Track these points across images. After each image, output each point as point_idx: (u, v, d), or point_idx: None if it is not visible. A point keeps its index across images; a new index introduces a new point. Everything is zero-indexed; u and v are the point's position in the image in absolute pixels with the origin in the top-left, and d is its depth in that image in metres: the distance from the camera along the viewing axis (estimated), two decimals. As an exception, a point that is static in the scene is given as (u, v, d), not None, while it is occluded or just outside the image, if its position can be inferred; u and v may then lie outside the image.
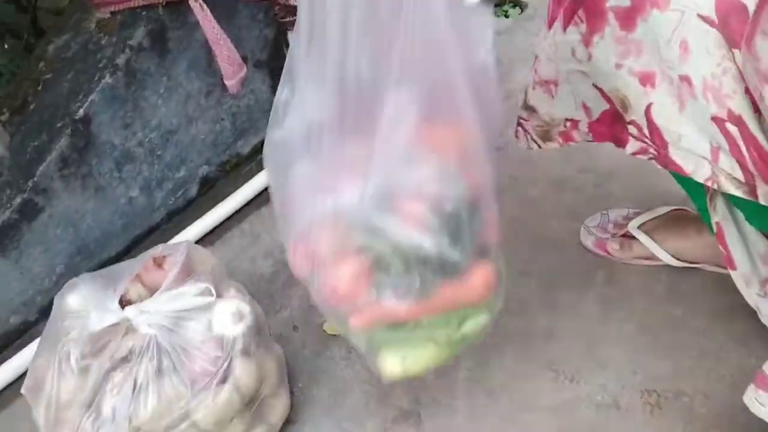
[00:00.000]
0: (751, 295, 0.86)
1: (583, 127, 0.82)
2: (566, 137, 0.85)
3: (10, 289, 1.09)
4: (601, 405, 0.97)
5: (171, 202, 1.29)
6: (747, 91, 0.62)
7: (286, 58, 0.69)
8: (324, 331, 1.09)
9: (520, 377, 1.01)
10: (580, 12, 0.71)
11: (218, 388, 0.87)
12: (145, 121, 1.17)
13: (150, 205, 1.25)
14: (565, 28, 0.74)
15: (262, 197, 1.32)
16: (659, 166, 0.94)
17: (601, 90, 0.76)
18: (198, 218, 1.27)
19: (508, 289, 1.10)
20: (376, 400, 1.01)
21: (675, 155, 0.70)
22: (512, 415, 0.98)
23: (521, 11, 1.66)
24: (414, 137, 0.65)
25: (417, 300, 0.68)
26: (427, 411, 0.99)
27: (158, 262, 0.95)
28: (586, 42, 0.73)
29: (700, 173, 0.69)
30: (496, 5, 1.66)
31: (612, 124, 0.78)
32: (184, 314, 0.88)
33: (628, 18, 0.68)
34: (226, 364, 0.87)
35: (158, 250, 0.96)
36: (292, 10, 1.26)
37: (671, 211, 1.12)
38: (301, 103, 0.67)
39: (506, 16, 1.65)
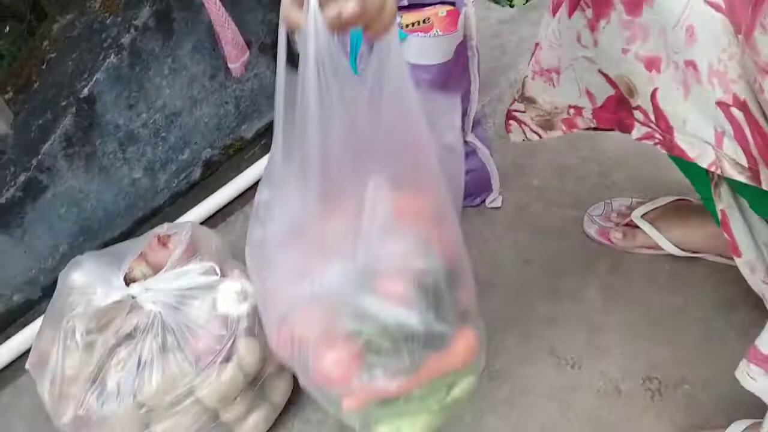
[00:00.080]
0: (756, 282, 0.86)
1: (587, 113, 0.82)
2: (570, 124, 0.84)
3: (14, 267, 1.10)
4: (601, 391, 0.97)
5: (174, 185, 1.29)
6: None
7: (267, 163, 0.69)
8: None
9: (522, 362, 1.01)
10: (586, -3, 0.71)
11: (222, 366, 0.87)
12: (149, 102, 1.17)
13: (153, 187, 1.25)
14: (570, 14, 0.74)
15: (266, 181, 1.32)
16: (664, 152, 0.95)
17: (606, 76, 0.76)
18: (201, 201, 1.28)
19: (512, 275, 1.11)
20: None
21: (680, 140, 0.70)
22: (513, 399, 0.98)
23: (526, 1, 1.66)
24: (393, 217, 0.66)
25: (407, 376, 0.69)
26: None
27: (163, 242, 0.95)
28: (592, 27, 0.73)
29: (704, 159, 0.69)
30: (502, -6, 1.65)
31: (617, 109, 0.78)
32: (188, 293, 0.89)
33: (634, 3, 0.67)
34: (230, 343, 0.88)
35: (163, 228, 0.96)
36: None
37: (674, 200, 1.12)
38: (282, 204, 0.68)
39: (511, 6, 1.65)
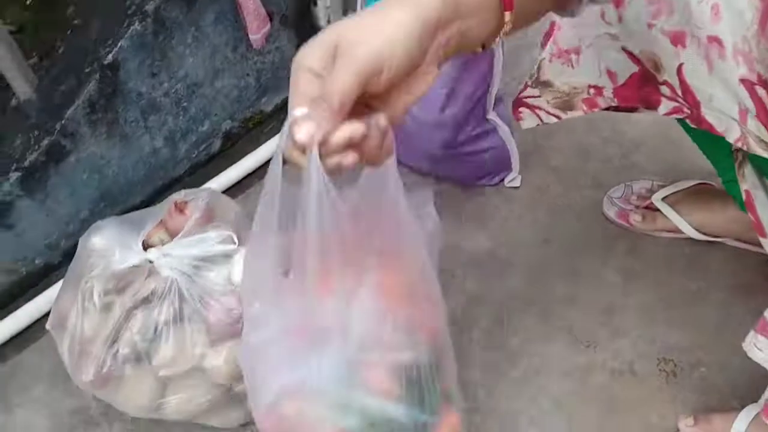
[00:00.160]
0: (780, 262, 0.86)
1: (608, 93, 0.81)
2: (591, 104, 0.84)
3: (36, 231, 1.11)
4: (616, 371, 0.97)
5: (194, 156, 1.29)
6: None
7: (253, 278, 0.70)
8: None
9: (538, 341, 1.01)
10: (611, -26, 0.70)
11: (234, 342, 0.87)
12: (171, 71, 1.17)
13: (173, 157, 1.26)
14: None
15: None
16: (686, 135, 0.94)
17: (629, 53, 0.75)
18: (220, 173, 1.28)
19: (531, 255, 1.11)
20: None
21: (707, 115, 0.70)
22: (527, 377, 0.98)
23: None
24: (382, 306, 0.67)
25: None
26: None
27: (180, 208, 0.95)
28: (617, 3, 0.72)
29: (731, 134, 0.68)
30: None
31: (641, 86, 0.77)
32: (204, 264, 0.89)
33: (659, -22, 0.67)
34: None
35: (180, 194, 0.96)
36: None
37: (696, 184, 1.11)
38: (276, 310, 0.68)
39: None
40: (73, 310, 0.85)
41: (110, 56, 1.07)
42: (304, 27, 1.34)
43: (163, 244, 0.92)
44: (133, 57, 1.10)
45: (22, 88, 1.07)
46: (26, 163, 1.04)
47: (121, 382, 0.86)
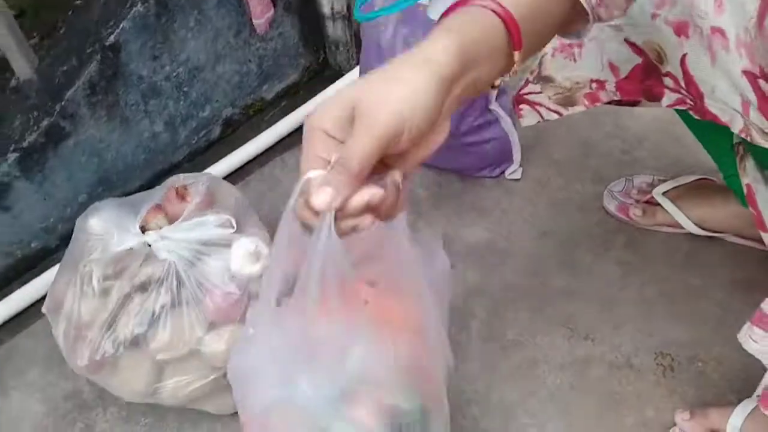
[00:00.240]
0: (781, 256, 0.86)
1: (611, 86, 0.81)
2: (593, 98, 0.83)
3: (33, 213, 1.10)
4: (613, 364, 0.97)
5: (194, 141, 1.29)
6: None
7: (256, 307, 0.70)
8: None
9: (535, 333, 1.01)
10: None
11: (231, 327, 0.87)
12: (173, 54, 1.16)
13: (173, 142, 1.25)
14: None
15: (284, 143, 1.32)
16: (688, 128, 0.93)
17: (632, 44, 0.75)
18: (219, 160, 1.27)
19: (529, 247, 1.11)
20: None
21: (710, 106, 0.70)
22: (524, 369, 0.98)
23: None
24: (382, 342, 0.66)
25: None
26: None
27: (180, 194, 0.95)
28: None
29: (735, 124, 0.68)
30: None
31: (644, 79, 0.77)
32: (203, 248, 0.88)
33: (664, -33, 0.66)
34: (242, 306, 0.87)
35: (179, 178, 0.95)
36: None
37: (697, 179, 1.11)
38: (265, 339, 0.67)
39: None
40: (69, 294, 0.85)
41: (112, 37, 1.07)
42: (308, 14, 1.34)
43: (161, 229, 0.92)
44: (134, 39, 1.09)
45: (23, 68, 1.06)
46: (25, 144, 1.04)
47: (117, 366, 0.85)
